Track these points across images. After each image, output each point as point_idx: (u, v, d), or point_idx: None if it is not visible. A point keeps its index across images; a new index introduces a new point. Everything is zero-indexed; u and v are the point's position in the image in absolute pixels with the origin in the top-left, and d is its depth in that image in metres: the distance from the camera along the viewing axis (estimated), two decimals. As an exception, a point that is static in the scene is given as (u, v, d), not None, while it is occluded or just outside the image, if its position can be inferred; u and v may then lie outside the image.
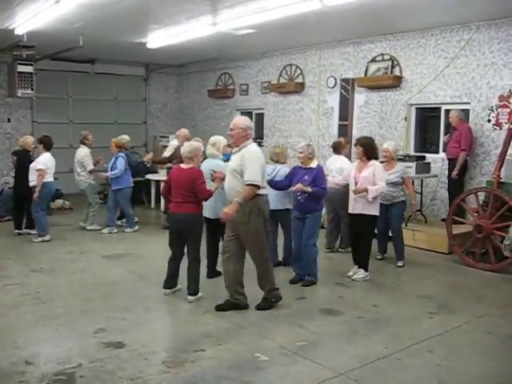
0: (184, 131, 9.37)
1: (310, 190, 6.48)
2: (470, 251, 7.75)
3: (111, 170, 9.65)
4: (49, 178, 8.92)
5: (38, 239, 8.86)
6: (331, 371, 4.35)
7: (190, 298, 6.00)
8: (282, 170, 7.25)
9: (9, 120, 13.35)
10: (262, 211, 5.61)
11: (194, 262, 6.07)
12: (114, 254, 8.20)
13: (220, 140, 7.49)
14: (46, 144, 9.18)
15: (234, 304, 5.76)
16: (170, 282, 6.22)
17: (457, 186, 8.81)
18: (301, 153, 6.76)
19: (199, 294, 6.07)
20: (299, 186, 6.52)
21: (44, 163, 8.88)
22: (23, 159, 9.41)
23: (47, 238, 8.91)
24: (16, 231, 9.40)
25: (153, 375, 4.25)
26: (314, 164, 6.73)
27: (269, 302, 5.82)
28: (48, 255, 8.06)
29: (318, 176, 6.64)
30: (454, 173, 8.70)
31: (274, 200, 6.69)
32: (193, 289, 6.04)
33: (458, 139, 8.76)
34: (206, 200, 6.09)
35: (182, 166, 6.09)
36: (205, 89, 14.95)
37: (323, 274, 7.13)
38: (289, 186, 6.82)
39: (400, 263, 7.69)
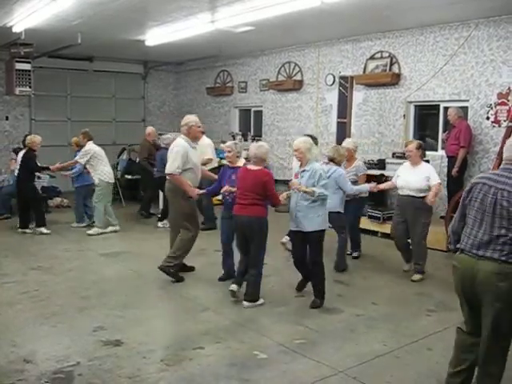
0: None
1: (234, 189, 6.10)
2: (469, 249, 7.73)
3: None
4: None
5: None
6: (330, 369, 4.35)
7: (245, 303, 5.78)
8: (338, 172, 6.95)
9: (7, 118, 13.32)
10: None
11: (254, 268, 5.82)
12: (112, 251, 8.19)
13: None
14: None
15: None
16: (237, 279, 6.00)
17: (456, 183, 8.80)
18: (229, 152, 6.42)
19: (259, 301, 5.84)
20: (227, 188, 6.22)
21: None
22: (27, 158, 9.39)
23: None
24: (20, 230, 9.41)
25: (151, 373, 4.24)
26: (240, 163, 6.42)
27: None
28: (46, 253, 8.05)
29: None
30: (454, 170, 8.70)
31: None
32: (250, 294, 5.79)
33: (456, 136, 8.76)
34: (275, 206, 6.07)
35: (249, 166, 5.89)
36: (203, 86, 14.94)
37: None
38: (220, 187, 6.46)
39: (355, 253, 7.75)
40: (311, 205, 5.77)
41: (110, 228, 9.44)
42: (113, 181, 9.63)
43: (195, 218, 6.71)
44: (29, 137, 9.70)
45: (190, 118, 6.59)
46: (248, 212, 5.69)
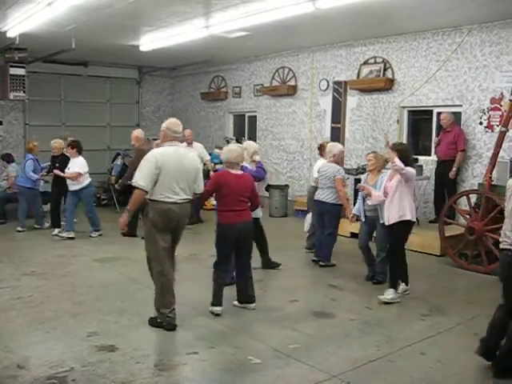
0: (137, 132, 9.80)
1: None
2: (463, 253, 7.78)
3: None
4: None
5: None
6: (324, 373, 4.36)
7: (253, 305, 5.90)
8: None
9: (1, 123, 13.29)
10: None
11: (250, 271, 5.97)
12: (106, 257, 8.17)
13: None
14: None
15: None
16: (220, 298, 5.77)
17: (451, 187, 8.92)
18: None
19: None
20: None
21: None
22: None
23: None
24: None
25: (145, 378, 4.24)
26: None
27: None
28: (40, 258, 8.02)
29: None
30: (453, 172, 8.79)
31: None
32: (254, 296, 5.96)
33: (454, 140, 8.85)
34: (255, 208, 6.05)
35: (233, 171, 5.70)
36: (198, 91, 14.96)
37: (317, 277, 7.15)
38: None
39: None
40: None
41: None
42: None
43: None
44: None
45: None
46: (244, 218, 5.69)
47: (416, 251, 8.47)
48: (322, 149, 8.48)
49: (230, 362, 4.57)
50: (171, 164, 5.18)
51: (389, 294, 6.15)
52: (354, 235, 9.27)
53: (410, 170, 6.14)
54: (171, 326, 5.21)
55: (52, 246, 8.87)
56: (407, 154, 6.27)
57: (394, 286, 6.20)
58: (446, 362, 4.63)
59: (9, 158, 10.98)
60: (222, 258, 5.75)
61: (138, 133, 9.69)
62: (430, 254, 8.34)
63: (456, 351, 4.90)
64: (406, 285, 6.40)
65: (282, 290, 6.59)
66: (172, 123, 5.50)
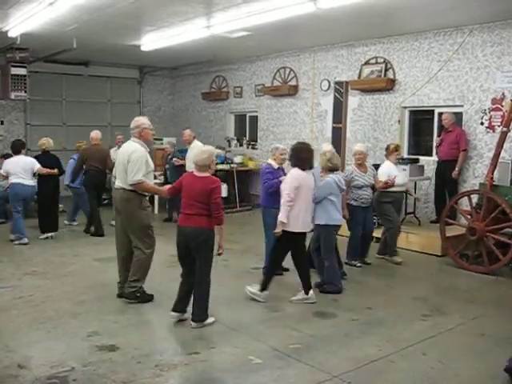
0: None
1: None
2: (464, 253, 7.77)
3: None
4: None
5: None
6: (325, 374, 4.35)
7: (192, 323, 5.34)
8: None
9: (2, 122, 13.30)
10: None
11: (201, 284, 5.37)
12: (107, 256, 8.14)
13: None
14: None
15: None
16: (180, 305, 5.47)
17: (452, 187, 8.93)
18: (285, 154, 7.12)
19: (208, 321, 5.40)
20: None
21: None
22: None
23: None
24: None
25: (146, 378, 4.23)
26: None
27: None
28: (41, 258, 8.02)
29: None
30: (456, 172, 8.80)
31: None
32: (197, 314, 5.35)
33: (456, 140, 8.85)
34: (217, 220, 5.26)
35: (197, 173, 5.34)
36: (199, 91, 14.97)
37: (317, 277, 7.13)
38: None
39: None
40: None
41: None
42: None
43: (152, 229, 6.23)
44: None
45: (142, 120, 6.18)
46: (193, 223, 5.25)
47: (417, 251, 8.49)
48: (388, 150, 8.05)
49: (230, 362, 4.57)
50: (117, 158, 6.26)
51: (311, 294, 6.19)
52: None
53: (289, 184, 5.94)
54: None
55: (53, 245, 8.87)
56: (298, 154, 6.14)
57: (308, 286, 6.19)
58: (447, 363, 4.63)
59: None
60: (179, 262, 5.52)
61: (92, 134, 9.93)
62: (431, 255, 8.33)
63: (457, 351, 4.89)
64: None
65: (283, 289, 6.57)
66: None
